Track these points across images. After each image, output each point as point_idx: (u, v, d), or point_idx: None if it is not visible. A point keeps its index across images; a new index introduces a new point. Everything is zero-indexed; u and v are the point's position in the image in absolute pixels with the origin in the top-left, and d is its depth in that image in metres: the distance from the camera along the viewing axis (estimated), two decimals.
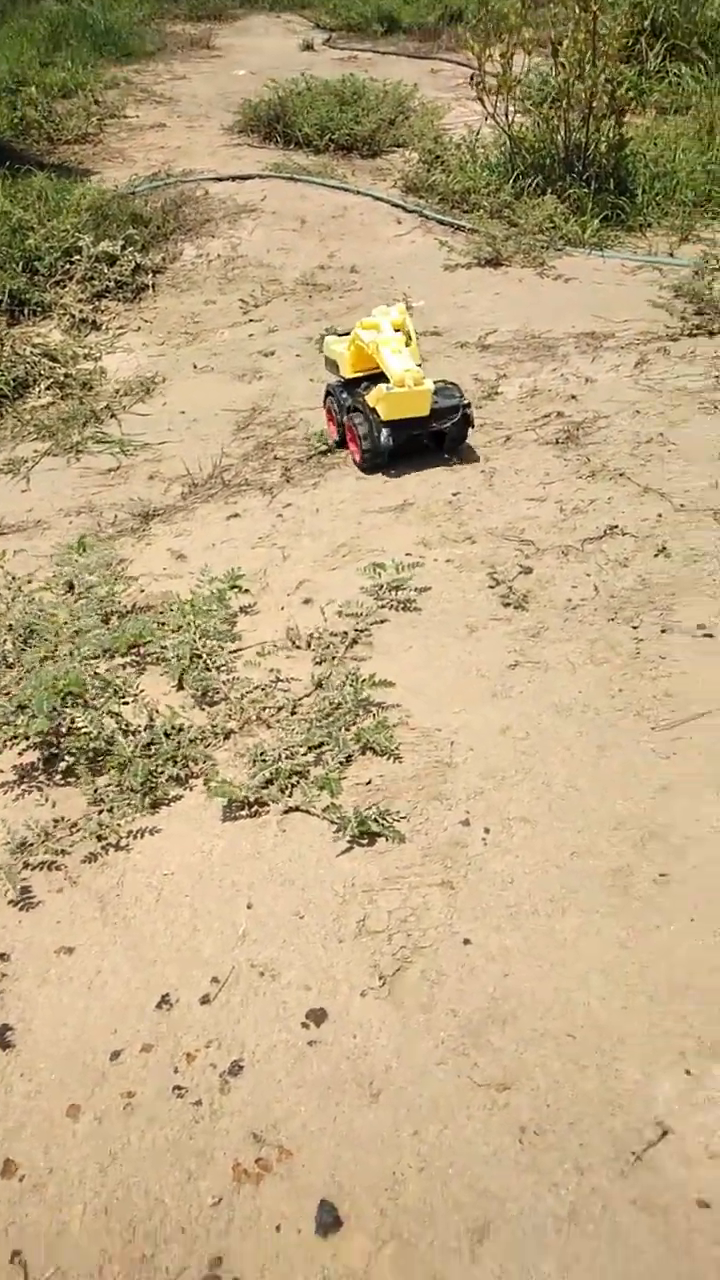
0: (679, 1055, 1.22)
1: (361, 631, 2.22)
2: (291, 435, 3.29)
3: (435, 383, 2.80)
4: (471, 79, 4.24)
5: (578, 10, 3.80)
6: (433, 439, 2.92)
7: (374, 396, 2.78)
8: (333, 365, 3.16)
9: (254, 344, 3.93)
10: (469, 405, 2.87)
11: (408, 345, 2.86)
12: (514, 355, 3.51)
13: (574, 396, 3.12)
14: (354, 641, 2.19)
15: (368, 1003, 1.38)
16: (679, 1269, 1.03)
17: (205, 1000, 1.41)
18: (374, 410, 2.81)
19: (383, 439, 2.80)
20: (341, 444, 3.06)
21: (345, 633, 2.21)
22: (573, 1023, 1.29)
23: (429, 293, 4.03)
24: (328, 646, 2.17)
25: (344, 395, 3.00)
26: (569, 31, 3.93)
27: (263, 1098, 1.28)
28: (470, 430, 2.91)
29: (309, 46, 5.85)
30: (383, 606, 2.28)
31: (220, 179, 4.79)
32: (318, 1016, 1.37)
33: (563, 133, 4.17)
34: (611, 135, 4.10)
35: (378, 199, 4.54)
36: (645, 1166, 1.12)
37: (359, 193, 4.57)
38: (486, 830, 1.61)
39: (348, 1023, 1.35)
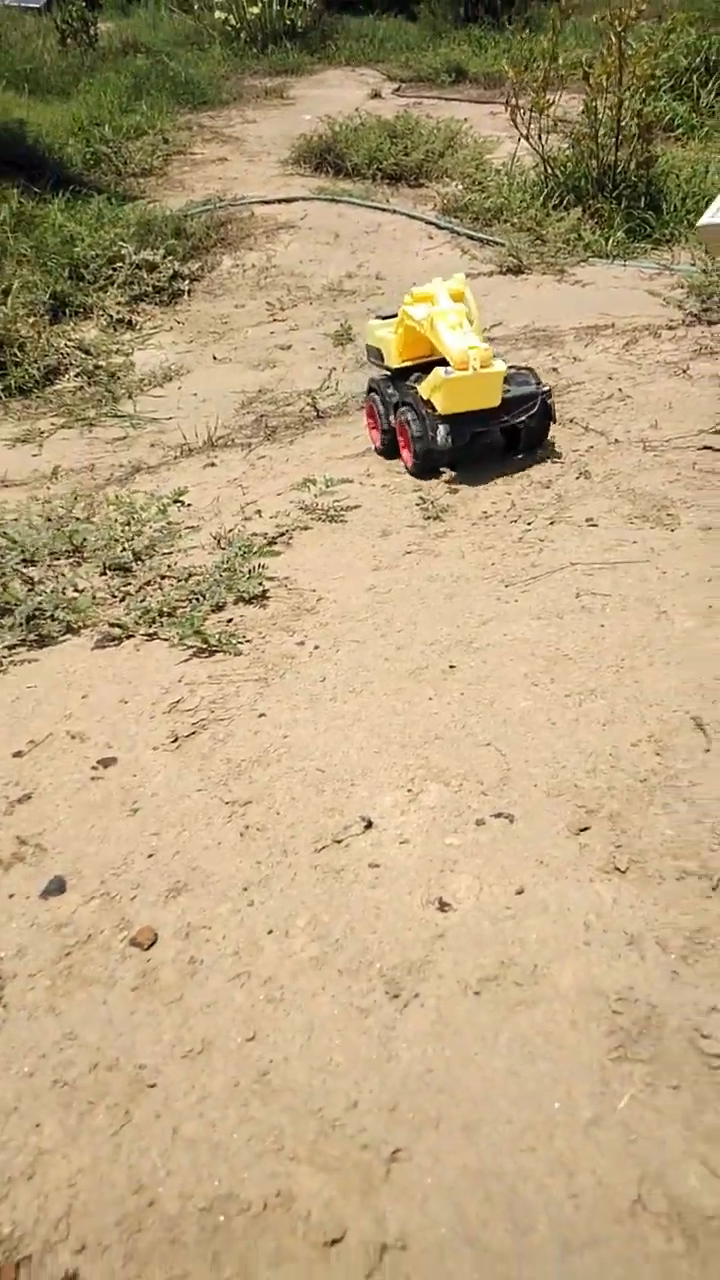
0: (409, 780, 1.40)
1: (283, 534, 2.51)
2: (289, 410, 3.68)
3: (508, 367, 2.45)
4: (506, 102, 4.76)
5: (611, 35, 4.29)
6: (504, 437, 2.58)
7: (429, 385, 2.41)
8: (376, 354, 2.84)
9: (274, 340, 4.43)
10: (549, 393, 2.50)
11: (470, 321, 2.50)
12: (515, 344, 3.85)
13: (556, 369, 3.41)
14: (273, 541, 2.48)
15: (156, 754, 1.61)
16: (332, 903, 1.19)
17: (17, 754, 1.67)
18: (429, 403, 2.44)
19: (440, 438, 2.39)
20: (389, 452, 2.75)
21: (266, 533, 2.50)
22: (328, 763, 1.49)
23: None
24: (245, 541, 2.47)
25: (390, 390, 2.66)
26: (600, 55, 4.41)
27: (38, 815, 1.52)
28: (552, 425, 2.57)
29: (376, 95, 6.65)
30: (312, 518, 2.57)
31: (266, 202, 5.43)
32: (107, 763, 1.61)
33: (596, 153, 4.61)
34: (640, 153, 4.51)
35: (411, 217, 5.07)
36: (340, 847, 1.30)
37: (394, 211, 5.11)
38: (316, 647, 1.84)
39: (132, 767, 1.59)
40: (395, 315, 2.70)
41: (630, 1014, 0.92)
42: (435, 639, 1.79)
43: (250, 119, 6.61)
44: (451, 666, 1.66)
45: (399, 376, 2.68)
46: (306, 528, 2.52)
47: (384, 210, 5.18)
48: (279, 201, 5.38)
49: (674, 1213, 0.76)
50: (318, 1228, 0.81)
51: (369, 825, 1.33)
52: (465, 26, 7.83)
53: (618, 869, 1.12)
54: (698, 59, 5.30)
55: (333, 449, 3.12)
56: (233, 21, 7.83)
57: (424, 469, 2.56)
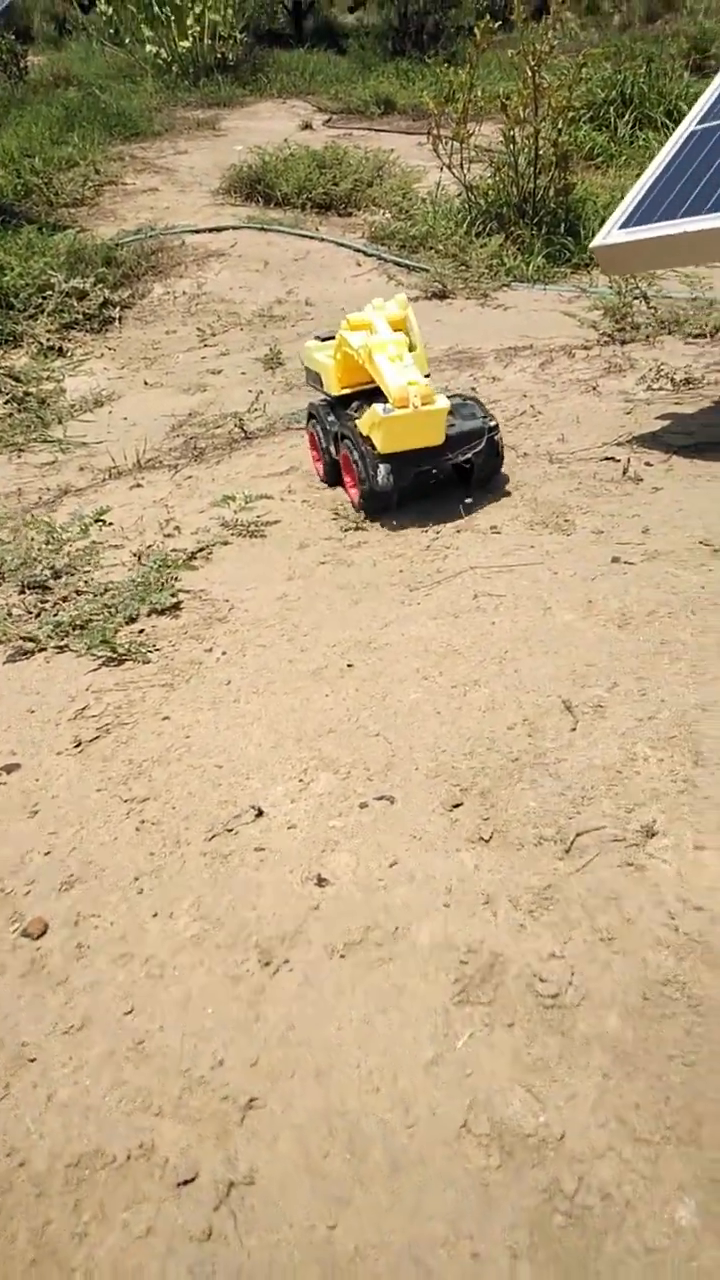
0: (302, 771, 1.47)
1: (203, 549, 2.58)
2: (218, 432, 3.76)
3: (451, 398, 2.35)
4: (428, 133, 4.94)
5: (526, 69, 4.48)
6: (456, 474, 2.50)
7: (367, 422, 2.31)
8: (315, 378, 2.73)
9: (204, 364, 4.52)
10: (496, 427, 2.43)
11: (411, 351, 2.43)
12: (437, 365, 3.98)
13: (475, 388, 3.54)
14: (192, 556, 2.55)
15: (59, 759, 1.66)
16: (219, 885, 1.25)
17: None
18: (367, 439, 2.34)
19: (380, 478, 2.32)
20: (333, 481, 2.69)
21: (187, 549, 2.57)
22: (226, 759, 1.55)
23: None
24: (164, 557, 2.53)
25: (330, 418, 2.57)
26: (517, 88, 4.62)
27: None
28: (500, 461, 2.50)
29: (308, 126, 6.85)
30: (232, 533, 2.65)
31: (197, 231, 5.55)
32: (10, 769, 1.65)
33: (516, 181, 4.80)
34: (558, 181, 4.71)
35: (340, 244, 5.21)
36: (230, 835, 1.36)
37: (322, 239, 5.25)
38: (224, 653, 1.91)
39: (36, 771, 1.64)
40: (333, 337, 2.59)
41: (475, 963, 1.00)
42: (338, 641, 1.87)
43: (182, 150, 6.75)
44: (350, 665, 1.74)
45: (339, 403, 2.59)
46: (226, 543, 2.59)
47: (313, 238, 5.32)
48: (209, 230, 5.51)
49: (495, 1133, 0.83)
50: (173, 1171, 0.86)
51: (260, 814, 1.39)
52: (394, 60, 8.11)
53: (483, 839, 1.20)
54: (614, 92, 5.55)
55: (258, 468, 3.21)
56: (164, 55, 8.02)
57: (371, 510, 2.46)
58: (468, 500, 2.45)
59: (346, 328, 2.45)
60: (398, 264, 4.99)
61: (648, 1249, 0.72)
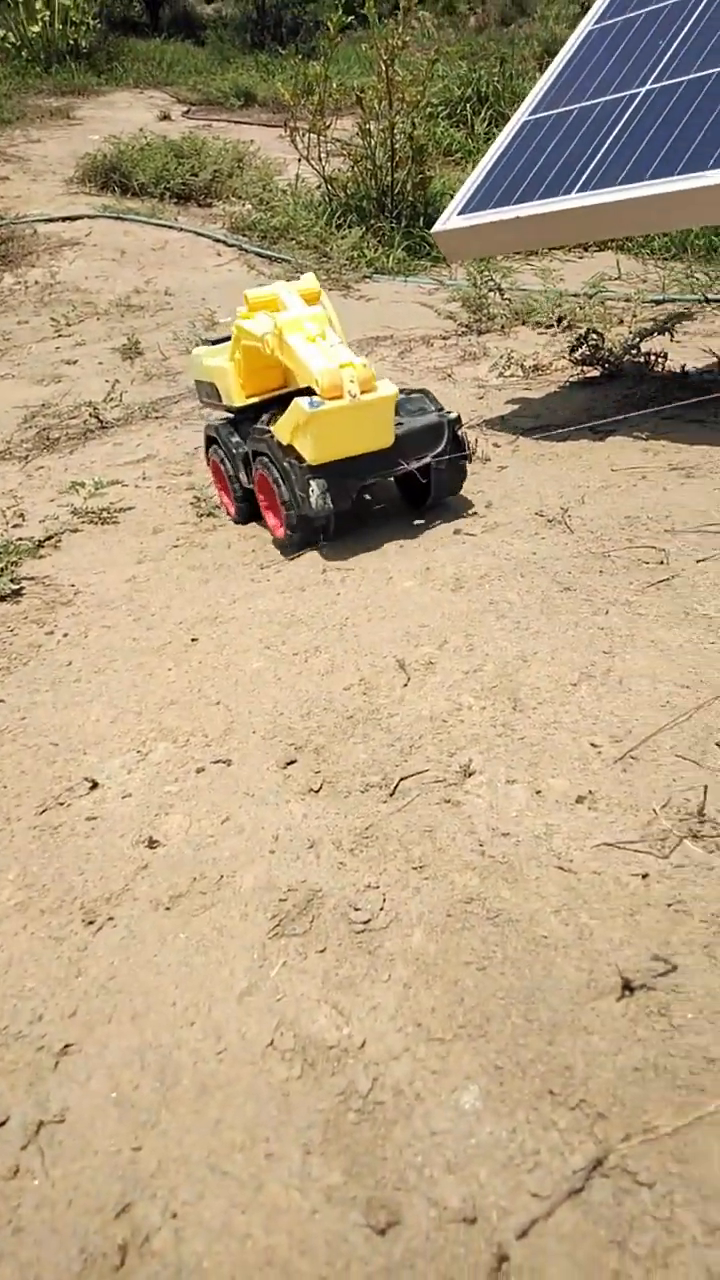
0: (140, 744, 1.49)
1: (51, 538, 2.55)
2: (73, 423, 3.71)
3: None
4: (285, 124, 5.01)
5: (380, 63, 4.60)
6: (402, 488, 2.07)
7: (288, 424, 1.81)
8: (209, 391, 2.24)
9: (59, 355, 4.46)
10: (458, 419, 1.96)
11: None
12: None
13: None
14: (40, 544, 2.52)
15: None
16: (47, 855, 1.26)
17: None
18: (291, 449, 1.85)
19: (314, 499, 1.82)
20: (250, 517, 2.21)
21: (34, 537, 2.54)
22: (63, 736, 1.55)
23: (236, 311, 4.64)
24: (5, 545, 2.50)
25: (234, 440, 2.10)
26: (372, 81, 4.73)
27: None
28: (466, 468, 2.04)
29: (166, 116, 6.85)
30: (82, 521, 2.63)
31: (50, 220, 5.46)
32: None
33: (375, 174, 4.91)
34: (415, 175, 4.84)
35: (199, 234, 5.23)
36: (61, 808, 1.37)
37: (181, 229, 5.26)
38: (65, 635, 1.91)
39: None
40: (227, 338, 2.14)
41: (294, 900, 1.04)
42: (184, 619, 1.89)
43: (34, 139, 6.64)
44: (194, 640, 1.77)
45: (245, 418, 2.12)
46: (76, 530, 2.58)
47: (171, 228, 5.32)
48: (63, 219, 5.44)
49: (299, 1048, 0.87)
50: None
51: (94, 785, 1.40)
52: (253, 52, 8.18)
53: (312, 790, 1.25)
54: (470, 90, 5.75)
55: (114, 457, 3.19)
56: (12, 39, 7.87)
57: (303, 541, 1.96)
58: (417, 522, 2.00)
59: (244, 315, 1.97)
60: (259, 254, 5.04)
61: (432, 1132, 0.78)
